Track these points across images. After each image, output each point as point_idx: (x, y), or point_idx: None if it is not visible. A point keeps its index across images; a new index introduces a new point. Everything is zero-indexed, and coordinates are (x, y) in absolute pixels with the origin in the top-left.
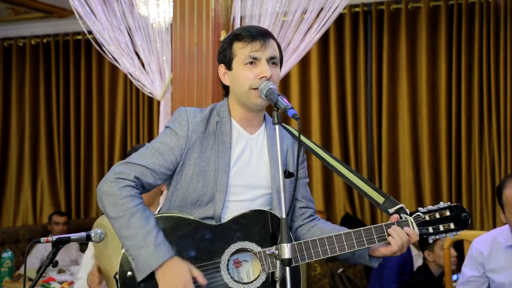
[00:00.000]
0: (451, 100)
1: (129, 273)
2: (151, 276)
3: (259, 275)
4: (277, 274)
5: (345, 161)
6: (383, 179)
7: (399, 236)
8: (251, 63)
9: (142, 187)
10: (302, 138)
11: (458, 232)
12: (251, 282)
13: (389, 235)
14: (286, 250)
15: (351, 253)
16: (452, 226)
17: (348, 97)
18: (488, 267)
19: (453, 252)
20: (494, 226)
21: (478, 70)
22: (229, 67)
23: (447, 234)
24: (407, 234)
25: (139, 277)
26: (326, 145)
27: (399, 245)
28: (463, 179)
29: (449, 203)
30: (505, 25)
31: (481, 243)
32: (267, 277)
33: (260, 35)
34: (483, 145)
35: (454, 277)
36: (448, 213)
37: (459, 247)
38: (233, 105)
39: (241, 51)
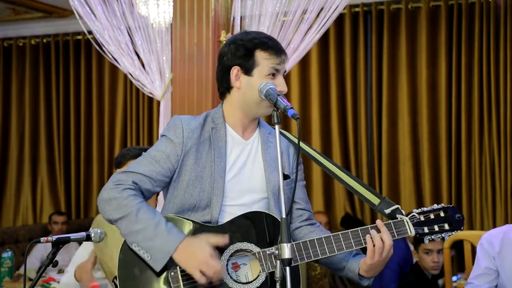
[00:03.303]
0: (451, 100)
1: (130, 274)
2: (152, 278)
3: (258, 275)
4: (277, 274)
5: (345, 161)
6: (383, 179)
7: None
8: (272, 74)
9: (141, 193)
10: (294, 139)
11: (453, 233)
12: (251, 282)
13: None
14: (286, 250)
15: (342, 265)
16: (446, 226)
17: (348, 97)
18: (499, 263)
19: (438, 258)
20: (494, 226)
21: (478, 70)
22: (248, 72)
23: (442, 234)
24: (382, 240)
25: (157, 267)
26: (326, 146)
27: (376, 250)
28: (463, 179)
29: (443, 204)
30: (505, 25)
31: (492, 237)
32: (266, 277)
33: (282, 50)
34: (483, 145)
35: (454, 278)
36: (442, 214)
37: (459, 247)
38: (231, 109)
39: (266, 62)
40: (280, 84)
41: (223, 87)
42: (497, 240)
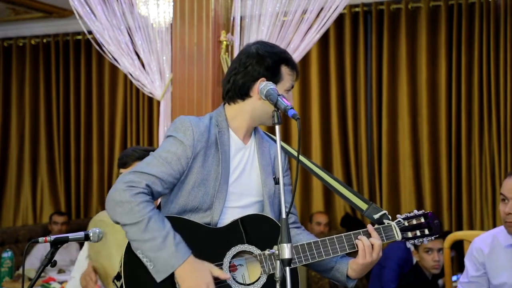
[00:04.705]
0: (451, 100)
1: (134, 276)
2: (158, 282)
3: (260, 277)
4: (277, 274)
5: (345, 161)
6: (383, 179)
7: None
8: (288, 90)
9: (152, 196)
10: (285, 146)
11: (433, 238)
12: (253, 283)
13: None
14: (286, 250)
15: (330, 265)
16: (426, 231)
17: (348, 97)
18: (488, 266)
19: (439, 257)
20: (494, 226)
21: (478, 70)
22: None
23: (423, 239)
24: (372, 243)
25: (159, 278)
26: (326, 146)
27: (366, 250)
28: (463, 179)
29: (423, 210)
30: (505, 25)
31: (482, 242)
32: (268, 279)
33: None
34: (483, 145)
35: (454, 277)
36: (422, 220)
37: (459, 247)
38: (238, 115)
39: (288, 77)
40: (289, 99)
41: (239, 94)
42: (487, 243)
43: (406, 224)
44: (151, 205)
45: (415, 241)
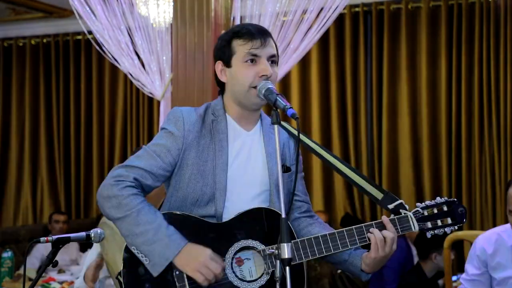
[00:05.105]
0: (451, 100)
1: (134, 272)
2: (157, 277)
3: (263, 274)
4: (277, 274)
5: (345, 161)
6: (383, 179)
7: (376, 236)
8: (251, 60)
9: (142, 189)
10: (301, 136)
11: (456, 227)
12: (256, 280)
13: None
14: (286, 250)
15: (344, 258)
16: (449, 221)
17: (348, 97)
18: (491, 264)
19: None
20: (494, 226)
21: (478, 70)
22: (227, 64)
23: (445, 229)
24: (384, 236)
25: (155, 272)
26: (326, 145)
27: (378, 244)
28: (463, 179)
29: (445, 198)
30: (505, 25)
31: (485, 241)
32: (271, 276)
33: (260, 33)
34: (483, 145)
35: (454, 277)
36: (445, 208)
37: (459, 247)
38: (229, 102)
39: (241, 48)
40: (263, 69)
41: (217, 84)
42: (491, 242)
43: (426, 213)
44: (140, 197)
45: (436, 231)
